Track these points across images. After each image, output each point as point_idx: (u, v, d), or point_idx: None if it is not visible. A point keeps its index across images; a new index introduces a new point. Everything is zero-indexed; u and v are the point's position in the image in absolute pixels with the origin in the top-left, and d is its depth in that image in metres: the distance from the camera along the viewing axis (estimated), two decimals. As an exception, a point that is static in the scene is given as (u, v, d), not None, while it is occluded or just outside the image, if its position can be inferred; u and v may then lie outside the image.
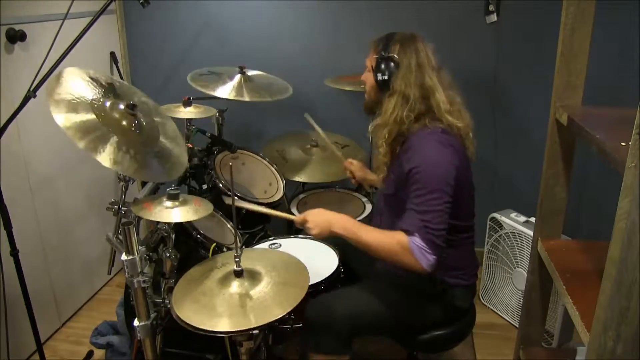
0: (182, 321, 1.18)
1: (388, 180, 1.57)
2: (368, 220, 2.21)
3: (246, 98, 2.16)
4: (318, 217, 1.49)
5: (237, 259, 1.29)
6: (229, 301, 1.24)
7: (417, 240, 1.35)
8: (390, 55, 1.50)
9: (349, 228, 1.46)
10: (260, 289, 1.27)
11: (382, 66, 1.51)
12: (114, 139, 1.31)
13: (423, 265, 1.35)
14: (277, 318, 1.18)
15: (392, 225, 1.61)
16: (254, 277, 1.32)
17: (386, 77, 1.50)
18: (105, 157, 1.26)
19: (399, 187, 1.50)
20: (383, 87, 1.52)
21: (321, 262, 1.70)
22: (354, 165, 2.00)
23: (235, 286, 1.28)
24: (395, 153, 1.55)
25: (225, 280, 1.30)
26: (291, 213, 1.98)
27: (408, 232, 1.37)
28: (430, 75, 1.48)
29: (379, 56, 1.52)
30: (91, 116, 1.31)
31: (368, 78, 1.59)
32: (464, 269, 1.56)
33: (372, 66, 1.55)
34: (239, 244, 1.30)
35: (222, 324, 1.17)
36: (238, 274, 1.29)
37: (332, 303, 1.51)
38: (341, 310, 1.49)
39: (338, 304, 1.51)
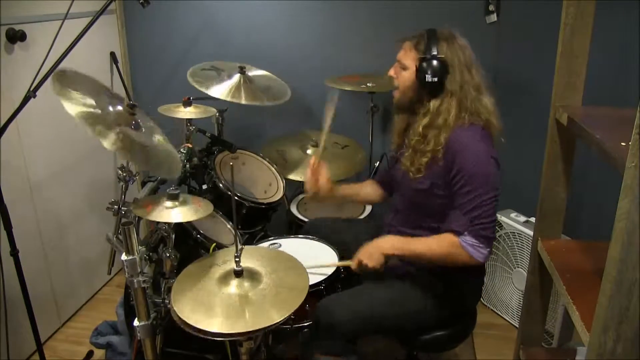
0: (181, 320, 1.18)
1: (420, 176, 1.52)
2: (368, 220, 2.22)
3: (243, 101, 2.15)
4: (368, 250, 1.51)
5: (237, 259, 1.29)
6: (227, 302, 1.23)
7: (468, 239, 1.38)
8: (438, 55, 1.45)
9: (398, 246, 1.49)
10: (260, 291, 1.27)
11: (431, 67, 1.45)
12: (124, 132, 1.34)
13: (479, 259, 1.39)
14: (274, 323, 1.17)
15: (409, 222, 1.58)
16: (253, 277, 1.31)
17: (436, 79, 1.45)
18: (111, 144, 1.29)
19: (435, 183, 1.48)
20: (431, 88, 1.47)
21: (321, 262, 1.69)
22: (322, 172, 1.78)
23: (234, 286, 1.27)
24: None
25: (224, 280, 1.30)
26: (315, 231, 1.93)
27: (458, 233, 1.39)
28: (476, 75, 1.47)
29: (423, 56, 1.46)
30: (97, 111, 1.32)
31: (403, 76, 1.53)
32: (470, 268, 1.55)
33: (416, 66, 1.48)
34: (239, 244, 1.29)
35: (219, 326, 1.16)
36: (238, 274, 1.29)
37: (337, 305, 1.51)
38: (347, 312, 1.49)
39: (343, 305, 1.51)
